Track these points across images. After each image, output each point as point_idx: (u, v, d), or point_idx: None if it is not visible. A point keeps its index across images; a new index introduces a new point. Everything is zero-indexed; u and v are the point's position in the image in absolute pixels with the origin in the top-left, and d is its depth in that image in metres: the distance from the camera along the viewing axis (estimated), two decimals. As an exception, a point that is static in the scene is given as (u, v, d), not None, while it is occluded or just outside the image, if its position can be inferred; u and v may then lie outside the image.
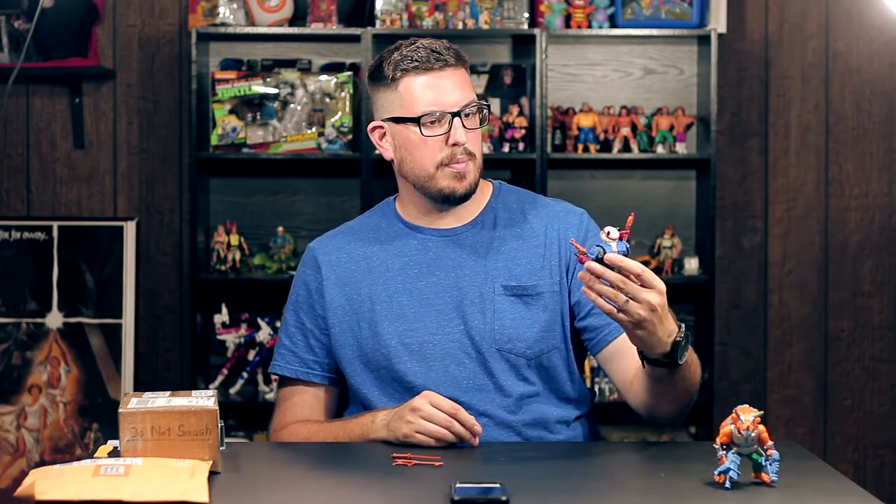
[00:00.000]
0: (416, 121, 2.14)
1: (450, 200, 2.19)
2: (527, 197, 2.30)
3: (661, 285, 1.88)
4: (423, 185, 2.19)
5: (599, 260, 1.84)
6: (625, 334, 1.98)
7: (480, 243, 2.22)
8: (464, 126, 2.14)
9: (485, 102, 2.21)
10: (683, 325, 1.97)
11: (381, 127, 2.22)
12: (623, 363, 2.15)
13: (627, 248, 1.85)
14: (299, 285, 2.29)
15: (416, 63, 2.14)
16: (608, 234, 1.85)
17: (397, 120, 2.18)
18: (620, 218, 1.97)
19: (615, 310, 1.87)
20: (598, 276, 1.85)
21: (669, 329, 1.93)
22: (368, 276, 2.23)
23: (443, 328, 2.18)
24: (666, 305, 1.90)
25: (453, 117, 2.14)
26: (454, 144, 2.14)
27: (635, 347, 1.98)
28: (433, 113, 2.14)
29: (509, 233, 2.23)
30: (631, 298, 1.86)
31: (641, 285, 1.86)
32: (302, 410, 2.28)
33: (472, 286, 2.19)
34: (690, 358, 2.03)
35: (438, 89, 2.14)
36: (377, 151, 2.28)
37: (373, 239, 2.26)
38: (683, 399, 2.09)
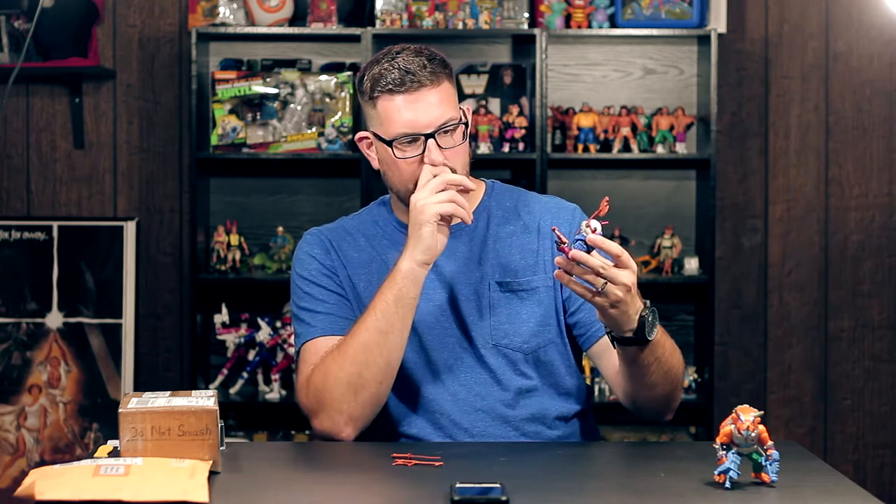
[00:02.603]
0: (390, 143, 2.13)
1: None
2: (520, 194, 2.31)
3: (634, 265, 1.94)
4: (406, 200, 2.16)
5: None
6: None
7: (475, 241, 2.23)
8: (439, 146, 2.12)
9: (462, 118, 2.16)
10: (649, 301, 2.01)
11: (368, 137, 2.21)
12: (613, 357, 2.16)
13: (601, 229, 1.91)
14: (305, 261, 2.24)
15: (391, 85, 2.11)
16: (594, 230, 1.89)
17: (377, 137, 2.17)
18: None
19: (591, 293, 1.92)
20: (579, 262, 1.89)
21: (637, 306, 1.97)
22: (367, 268, 2.23)
23: (440, 324, 2.18)
24: (636, 284, 1.95)
25: (426, 139, 2.12)
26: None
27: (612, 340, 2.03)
28: (407, 135, 2.12)
29: (503, 230, 2.24)
30: (609, 281, 1.90)
31: (616, 266, 1.91)
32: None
33: (468, 284, 2.20)
34: (664, 340, 2.06)
35: (412, 111, 2.11)
36: None
37: (369, 235, 2.27)
38: (663, 385, 2.10)
